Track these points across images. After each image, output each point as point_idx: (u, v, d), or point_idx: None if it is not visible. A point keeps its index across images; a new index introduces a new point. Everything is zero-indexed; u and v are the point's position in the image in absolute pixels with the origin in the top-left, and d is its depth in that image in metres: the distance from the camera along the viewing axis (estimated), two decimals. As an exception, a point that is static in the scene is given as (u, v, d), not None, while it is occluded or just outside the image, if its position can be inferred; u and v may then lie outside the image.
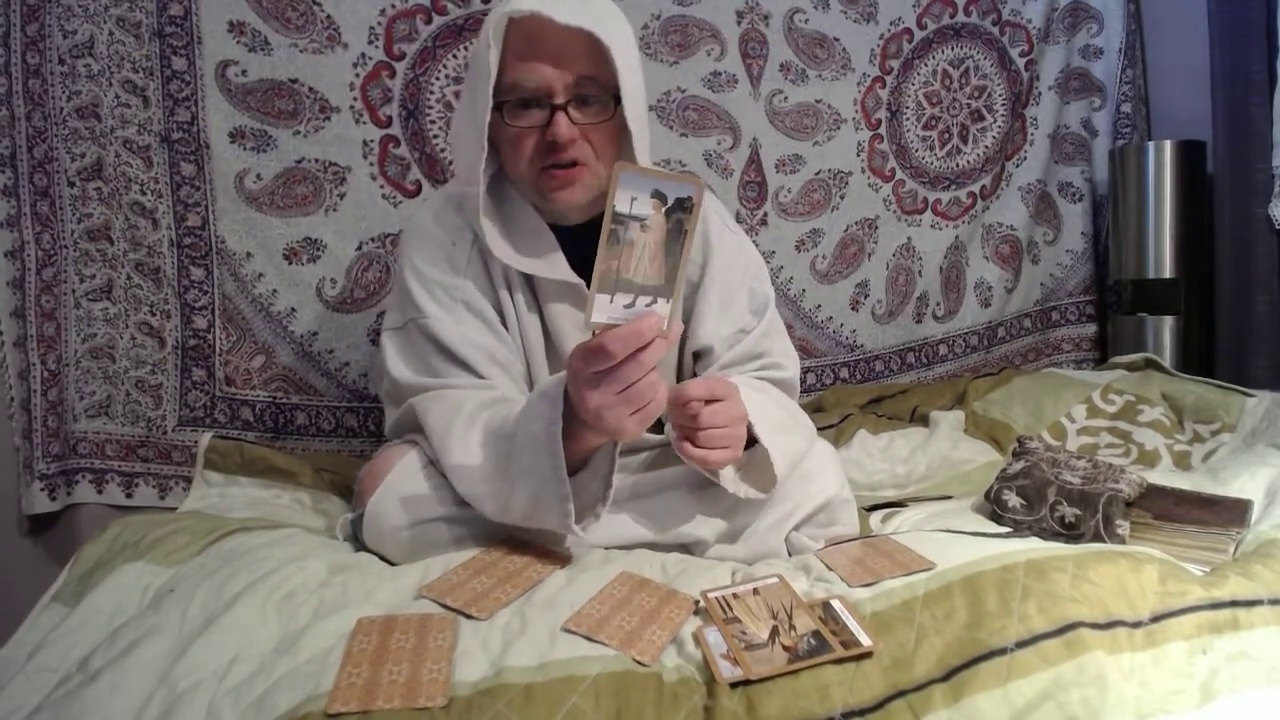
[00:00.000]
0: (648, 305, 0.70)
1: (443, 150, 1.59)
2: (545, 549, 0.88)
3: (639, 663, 0.67)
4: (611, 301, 0.69)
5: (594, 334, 0.72)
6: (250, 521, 1.04)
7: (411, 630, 0.71)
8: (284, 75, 1.50)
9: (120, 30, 1.43)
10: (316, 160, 1.53)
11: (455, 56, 1.59)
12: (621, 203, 0.66)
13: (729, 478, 0.92)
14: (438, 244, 1.03)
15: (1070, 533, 0.95)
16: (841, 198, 1.90)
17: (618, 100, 0.94)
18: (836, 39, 1.86)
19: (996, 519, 1.03)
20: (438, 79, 1.58)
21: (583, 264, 1.01)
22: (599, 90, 0.93)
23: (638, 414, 0.75)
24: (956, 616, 0.69)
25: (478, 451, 0.86)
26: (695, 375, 1.10)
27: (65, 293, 1.45)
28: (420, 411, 0.95)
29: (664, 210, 0.67)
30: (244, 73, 1.48)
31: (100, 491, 1.50)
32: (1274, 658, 0.68)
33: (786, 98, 1.83)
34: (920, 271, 1.98)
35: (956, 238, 2.00)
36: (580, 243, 1.02)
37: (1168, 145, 1.83)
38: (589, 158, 0.95)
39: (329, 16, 1.51)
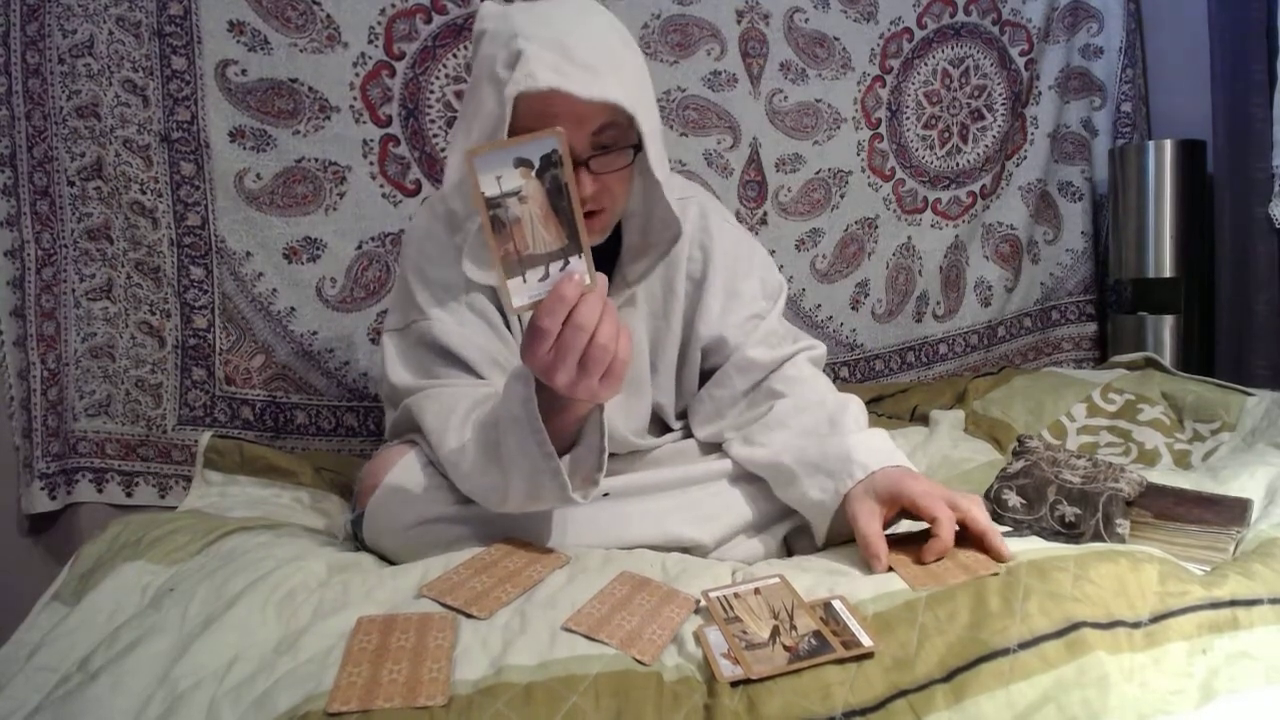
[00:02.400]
0: (561, 269, 0.69)
1: (442, 150, 1.59)
2: (546, 549, 0.88)
3: (639, 662, 0.67)
4: (525, 281, 0.69)
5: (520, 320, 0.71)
6: (250, 521, 1.04)
7: (411, 629, 0.71)
8: (284, 75, 1.50)
9: (120, 30, 1.43)
10: (316, 160, 1.53)
11: (455, 56, 1.59)
12: (488, 187, 0.65)
13: None
14: (441, 245, 1.02)
15: (1070, 532, 0.95)
16: (841, 197, 1.90)
17: (636, 149, 0.91)
18: (836, 38, 1.86)
19: (996, 518, 1.03)
20: (438, 78, 1.58)
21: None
22: (617, 135, 0.90)
23: (606, 378, 0.72)
24: (959, 617, 0.69)
25: (472, 449, 0.86)
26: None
27: (65, 292, 1.45)
28: (416, 411, 0.95)
29: (535, 173, 0.66)
30: (244, 72, 1.48)
31: (100, 491, 1.50)
32: (1274, 657, 0.68)
33: (786, 97, 1.83)
34: (920, 271, 1.98)
35: (956, 237, 2.00)
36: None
37: (1168, 145, 1.83)
38: (607, 204, 0.93)
39: (329, 16, 1.51)
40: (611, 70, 0.86)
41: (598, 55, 0.87)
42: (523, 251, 0.68)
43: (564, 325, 0.69)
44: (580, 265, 0.70)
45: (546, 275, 0.69)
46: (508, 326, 1.02)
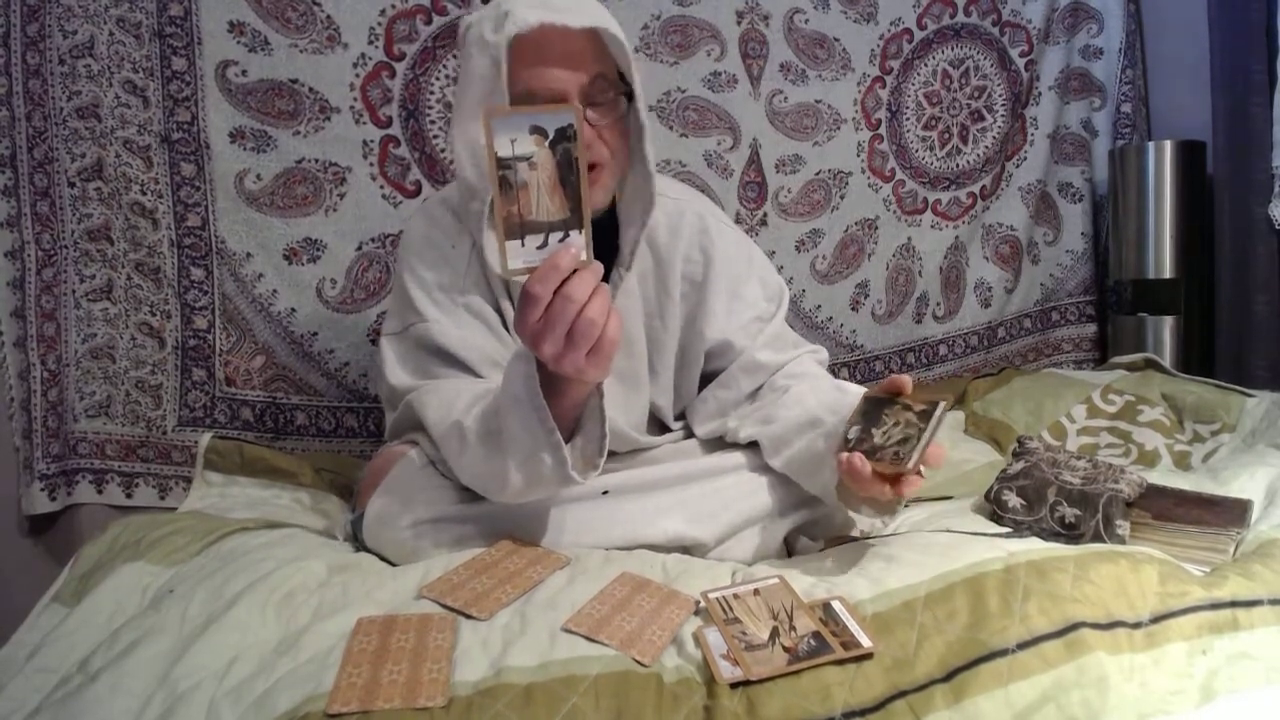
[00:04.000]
0: (560, 240, 0.70)
1: (443, 150, 1.59)
2: (546, 550, 0.88)
3: (639, 663, 0.67)
4: (523, 246, 0.70)
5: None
6: (250, 522, 1.04)
7: (411, 630, 0.71)
8: (284, 75, 1.50)
9: (120, 30, 1.44)
10: (316, 160, 1.53)
11: (455, 57, 1.59)
12: (502, 147, 0.67)
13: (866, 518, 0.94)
14: (437, 248, 1.02)
15: (1070, 533, 0.95)
16: (841, 198, 1.90)
17: (629, 96, 0.94)
18: (836, 39, 1.86)
19: (996, 519, 1.03)
20: (438, 79, 1.58)
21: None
22: (609, 89, 0.94)
23: (593, 353, 0.73)
24: (958, 617, 0.69)
25: (473, 438, 0.86)
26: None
27: (65, 293, 1.45)
28: (418, 406, 0.95)
29: (548, 144, 0.68)
30: (244, 73, 1.48)
31: (100, 491, 1.50)
32: (1274, 658, 0.68)
33: (786, 98, 1.83)
34: (920, 272, 1.98)
35: (956, 238, 2.00)
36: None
37: (1168, 145, 1.83)
38: (604, 157, 0.95)
39: (329, 16, 1.51)
40: (595, 9, 0.92)
41: (579, 2, 0.92)
42: (525, 216, 0.69)
43: (555, 295, 0.70)
44: (579, 240, 0.71)
45: (545, 244, 0.70)
46: (505, 328, 1.02)
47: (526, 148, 0.68)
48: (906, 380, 0.83)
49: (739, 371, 1.07)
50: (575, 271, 0.70)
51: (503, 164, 0.67)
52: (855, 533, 0.99)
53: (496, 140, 0.67)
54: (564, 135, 0.68)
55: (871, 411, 0.83)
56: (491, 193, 0.68)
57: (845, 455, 0.79)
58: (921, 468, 0.77)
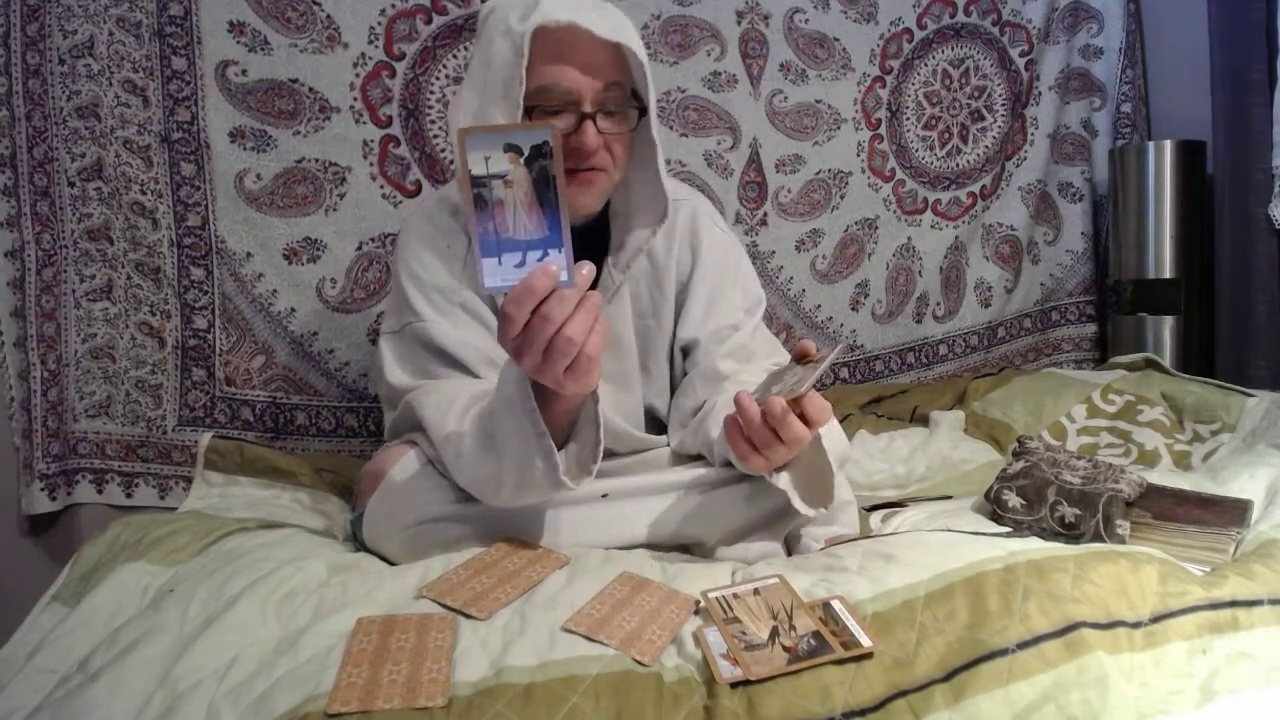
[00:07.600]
0: (539, 260, 0.69)
1: (443, 150, 1.59)
2: (546, 549, 0.88)
3: (639, 663, 0.67)
4: (500, 264, 0.69)
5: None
6: (250, 521, 1.04)
7: (411, 630, 0.71)
8: (284, 75, 1.50)
9: (120, 30, 1.44)
10: (316, 160, 1.53)
11: (455, 56, 1.59)
12: (476, 165, 0.67)
13: (793, 494, 0.91)
14: (433, 247, 1.02)
15: (1070, 533, 0.95)
16: (841, 198, 1.90)
17: (642, 112, 0.95)
18: (836, 39, 1.86)
19: (996, 519, 1.03)
20: (438, 79, 1.58)
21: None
22: (622, 99, 0.94)
23: (570, 370, 0.72)
24: (958, 617, 0.69)
25: (469, 440, 0.86)
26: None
27: (65, 293, 1.45)
28: (416, 405, 0.95)
29: (523, 161, 0.67)
30: (244, 73, 1.48)
31: (100, 491, 1.50)
32: (1274, 658, 0.68)
33: (786, 98, 1.83)
34: (920, 271, 1.98)
35: (956, 238, 2.00)
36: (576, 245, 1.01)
37: (1168, 145, 1.83)
38: (607, 164, 0.95)
39: (329, 16, 1.51)
40: (624, 26, 0.92)
41: (610, 11, 0.93)
42: (501, 234, 0.69)
43: (533, 315, 0.70)
44: (560, 259, 0.70)
45: (523, 263, 0.70)
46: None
47: (501, 166, 0.67)
48: (809, 343, 0.85)
49: (698, 379, 1.06)
50: (554, 291, 0.69)
51: (477, 182, 0.67)
52: (841, 529, 0.98)
53: (470, 158, 0.66)
54: (540, 153, 0.67)
55: (775, 376, 0.85)
56: (465, 211, 0.68)
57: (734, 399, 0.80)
58: (816, 411, 0.77)
